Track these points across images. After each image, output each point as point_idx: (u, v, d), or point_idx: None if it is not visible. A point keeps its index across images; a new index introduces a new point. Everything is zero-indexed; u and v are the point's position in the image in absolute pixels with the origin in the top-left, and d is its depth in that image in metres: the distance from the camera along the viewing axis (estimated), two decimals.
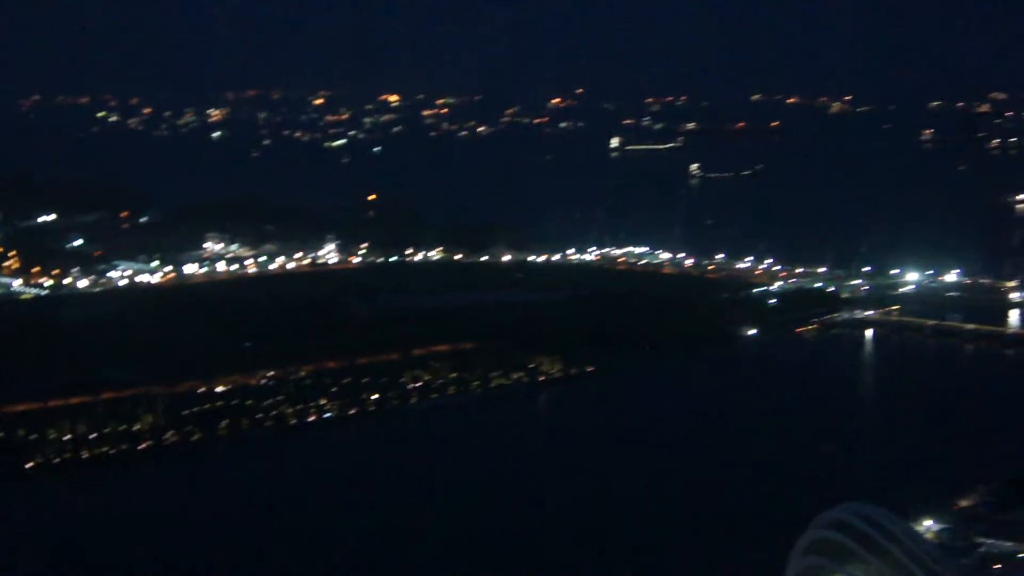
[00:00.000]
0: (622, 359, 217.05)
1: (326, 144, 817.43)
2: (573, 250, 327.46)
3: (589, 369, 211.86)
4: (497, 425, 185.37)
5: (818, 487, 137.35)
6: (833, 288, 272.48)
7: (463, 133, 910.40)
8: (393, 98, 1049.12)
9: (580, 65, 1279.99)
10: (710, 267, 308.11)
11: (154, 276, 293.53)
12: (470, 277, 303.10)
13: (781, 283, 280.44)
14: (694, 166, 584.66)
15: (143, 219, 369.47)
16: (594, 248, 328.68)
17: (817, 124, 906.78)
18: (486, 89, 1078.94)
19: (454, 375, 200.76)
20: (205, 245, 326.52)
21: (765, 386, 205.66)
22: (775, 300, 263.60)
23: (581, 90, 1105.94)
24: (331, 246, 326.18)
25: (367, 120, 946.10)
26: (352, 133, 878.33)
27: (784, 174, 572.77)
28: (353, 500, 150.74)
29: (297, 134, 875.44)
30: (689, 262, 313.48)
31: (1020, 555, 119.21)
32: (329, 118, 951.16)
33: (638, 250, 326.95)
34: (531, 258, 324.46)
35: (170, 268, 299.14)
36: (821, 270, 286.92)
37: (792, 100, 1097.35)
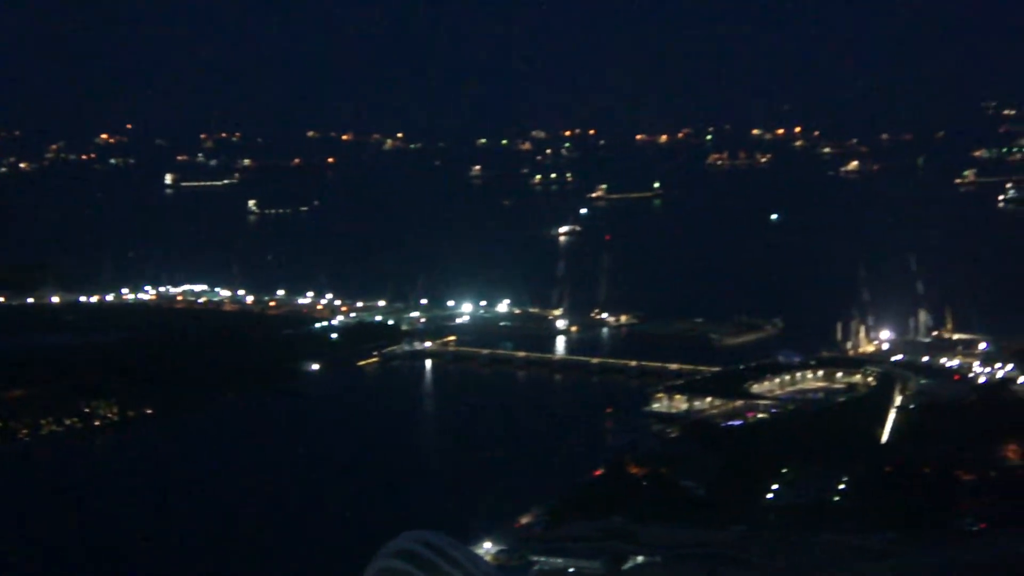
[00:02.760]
0: (183, 400, 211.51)
1: None
2: (128, 290, 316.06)
3: (148, 412, 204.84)
4: (46, 474, 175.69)
5: (383, 518, 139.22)
6: (392, 321, 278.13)
7: (2, 170, 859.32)
8: None
9: (129, 100, 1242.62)
10: (271, 303, 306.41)
11: None
12: (15, 320, 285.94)
13: (342, 317, 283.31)
14: (251, 202, 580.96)
15: None
16: (150, 287, 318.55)
17: (371, 160, 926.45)
18: (27, 123, 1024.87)
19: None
20: None
21: (327, 421, 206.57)
22: (337, 334, 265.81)
23: (131, 125, 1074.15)
24: None
25: None
26: None
27: (341, 209, 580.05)
28: None
29: None
30: (250, 299, 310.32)
31: (571, 569, 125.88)
32: None
33: (197, 288, 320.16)
34: (83, 299, 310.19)
35: None
36: (381, 303, 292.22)
37: (346, 137, 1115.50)
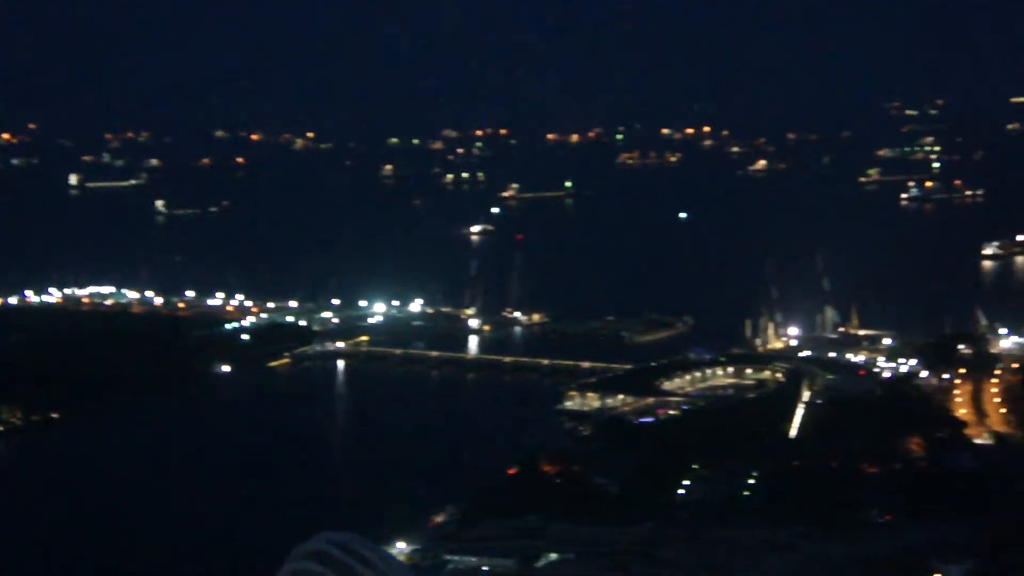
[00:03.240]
0: (90, 403, 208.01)
1: None
2: (32, 292, 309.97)
3: (54, 416, 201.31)
4: None
5: (299, 519, 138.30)
6: (304, 321, 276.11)
7: None
8: None
9: (32, 99, 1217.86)
10: (181, 305, 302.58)
11: None
12: None
13: (253, 318, 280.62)
14: (160, 203, 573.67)
15: None
16: (55, 289, 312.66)
17: (282, 160, 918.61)
18: None
19: None
20: None
21: (240, 422, 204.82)
22: (248, 336, 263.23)
23: (34, 125, 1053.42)
24: None
25: None
26: None
27: (251, 210, 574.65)
28: None
29: None
30: (159, 300, 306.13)
31: (484, 568, 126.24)
32: None
33: (104, 290, 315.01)
34: None
35: None
36: (292, 304, 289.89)
37: (256, 136, 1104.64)
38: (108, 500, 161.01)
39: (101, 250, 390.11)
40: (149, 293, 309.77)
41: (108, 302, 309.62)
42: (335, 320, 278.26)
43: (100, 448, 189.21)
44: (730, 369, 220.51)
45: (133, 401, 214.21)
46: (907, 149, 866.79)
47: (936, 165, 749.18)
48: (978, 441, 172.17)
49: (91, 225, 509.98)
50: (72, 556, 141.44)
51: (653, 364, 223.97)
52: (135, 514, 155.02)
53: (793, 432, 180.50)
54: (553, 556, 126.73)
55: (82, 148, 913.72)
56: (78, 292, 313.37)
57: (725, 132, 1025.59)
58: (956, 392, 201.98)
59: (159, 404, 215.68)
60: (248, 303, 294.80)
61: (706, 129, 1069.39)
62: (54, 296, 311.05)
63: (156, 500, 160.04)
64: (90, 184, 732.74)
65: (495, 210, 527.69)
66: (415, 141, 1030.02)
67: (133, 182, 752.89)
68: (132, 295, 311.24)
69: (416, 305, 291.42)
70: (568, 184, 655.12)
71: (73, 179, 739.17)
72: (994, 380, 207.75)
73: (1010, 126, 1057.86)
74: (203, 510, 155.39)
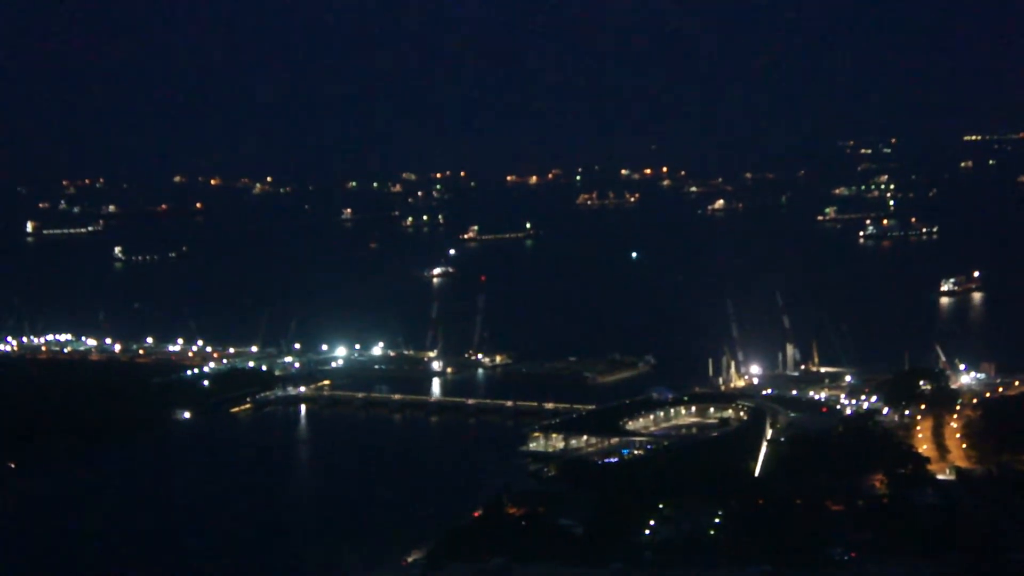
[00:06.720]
0: (49, 453, 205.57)
1: None
2: None
3: (12, 466, 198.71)
4: None
5: (264, 564, 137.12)
6: (265, 367, 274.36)
7: None
8: None
9: None
10: (140, 351, 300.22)
11: None
12: None
13: (213, 364, 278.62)
14: (117, 249, 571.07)
15: None
16: (11, 338, 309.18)
17: (241, 205, 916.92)
18: None
19: None
20: None
21: (200, 469, 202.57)
22: (208, 381, 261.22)
23: None
24: None
25: None
26: None
27: (211, 255, 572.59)
28: None
29: None
30: (118, 348, 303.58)
31: None
32: None
33: (62, 338, 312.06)
34: None
35: None
36: (253, 349, 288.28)
37: (215, 181, 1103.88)
38: (65, 549, 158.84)
39: (58, 297, 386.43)
40: (108, 340, 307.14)
41: (66, 350, 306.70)
42: (296, 365, 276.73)
43: (58, 496, 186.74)
44: (693, 408, 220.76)
45: (92, 449, 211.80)
46: (863, 187, 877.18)
47: (892, 203, 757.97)
48: (940, 477, 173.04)
49: (48, 272, 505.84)
50: None
51: (616, 404, 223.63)
52: (94, 562, 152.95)
53: (757, 470, 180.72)
54: None
55: (38, 195, 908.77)
56: (36, 340, 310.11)
57: (682, 172, 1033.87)
58: (917, 428, 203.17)
59: (118, 452, 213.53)
60: (208, 349, 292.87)
61: (664, 169, 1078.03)
62: (10, 345, 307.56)
63: (116, 547, 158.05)
64: (47, 231, 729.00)
65: (452, 252, 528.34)
66: (374, 184, 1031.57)
67: (90, 229, 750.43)
68: (90, 342, 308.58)
69: (378, 348, 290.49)
70: (528, 225, 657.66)
71: (29, 226, 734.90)
72: (954, 416, 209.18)
73: (963, 164, 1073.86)
74: (165, 555, 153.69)
